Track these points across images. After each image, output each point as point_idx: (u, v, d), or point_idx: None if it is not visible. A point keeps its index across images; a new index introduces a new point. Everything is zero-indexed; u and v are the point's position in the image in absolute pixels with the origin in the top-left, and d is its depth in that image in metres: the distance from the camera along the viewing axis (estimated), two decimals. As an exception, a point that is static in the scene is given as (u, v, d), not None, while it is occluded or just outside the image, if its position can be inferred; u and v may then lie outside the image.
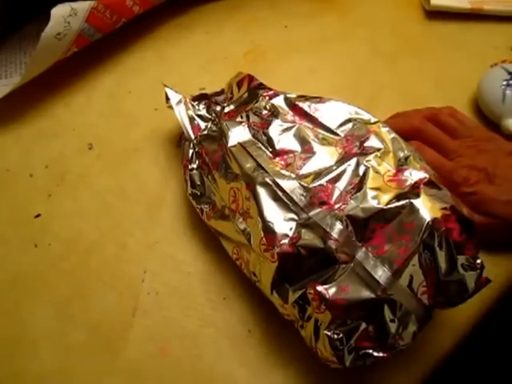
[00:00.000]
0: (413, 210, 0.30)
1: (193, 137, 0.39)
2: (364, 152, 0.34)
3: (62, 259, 0.38)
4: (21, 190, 0.41)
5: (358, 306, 0.28)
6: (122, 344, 0.34)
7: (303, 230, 0.31)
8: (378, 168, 0.32)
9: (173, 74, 0.48)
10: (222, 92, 0.43)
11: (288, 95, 0.38)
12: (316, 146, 0.35)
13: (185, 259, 0.38)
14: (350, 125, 0.36)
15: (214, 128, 0.38)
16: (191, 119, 0.39)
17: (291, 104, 0.38)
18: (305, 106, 0.37)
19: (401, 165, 0.33)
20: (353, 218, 0.30)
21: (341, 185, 0.32)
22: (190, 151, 0.38)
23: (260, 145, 0.36)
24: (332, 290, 0.29)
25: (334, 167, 0.33)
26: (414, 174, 0.32)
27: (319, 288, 0.29)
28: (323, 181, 0.32)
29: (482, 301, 0.35)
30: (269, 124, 0.36)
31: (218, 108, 0.40)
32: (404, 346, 0.28)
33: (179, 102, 0.40)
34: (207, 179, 0.37)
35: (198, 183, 0.38)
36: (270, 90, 0.39)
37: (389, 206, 0.30)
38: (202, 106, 0.41)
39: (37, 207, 0.40)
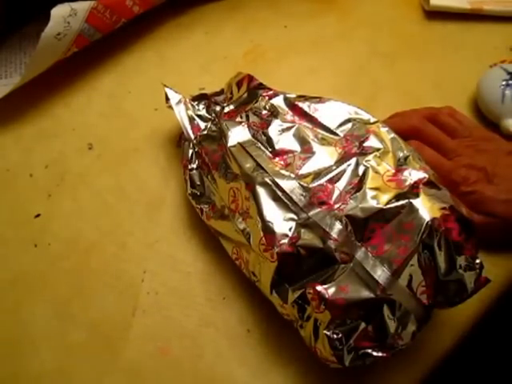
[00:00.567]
0: (412, 209, 0.30)
1: (192, 137, 0.39)
2: (363, 152, 0.34)
3: (61, 259, 0.38)
4: (21, 190, 0.41)
5: (358, 306, 0.28)
6: (121, 344, 0.34)
7: (303, 230, 0.31)
8: (378, 168, 0.32)
9: (173, 74, 0.48)
10: (221, 92, 0.43)
11: (287, 95, 0.38)
12: (315, 146, 0.35)
13: (184, 259, 0.38)
14: (349, 125, 0.36)
15: (214, 128, 0.38)
16: (191, 119, 0.40)
17: (291, 104, 0.38)
18: (304, 106, 0.37)
19: (400, 165, 0.33)
20: (352, 218, 0.30)
21: (340, 185, 0.32)
22: (190, 151, 0.39)
23: (260, 145, 0.36)
24: (331, 290, 0.29)
25: (334, 167, 0.33)
26: (413, 174, 0.32)
27: (319, 288, 0.29)
28: (323, 181, 0.32)
29: (481, 301, 0.35)
30: (268, 124, 0.36)
31: (218, 108, 0.40)
32: (403, 346, 0.29)
33: (179, 102, 0.40)
34: (207, 179, 0.37)
35: (198, 183, 0.38)
36: (270, 90, 0.40)
37: (388, 205, 0.30)
38: (201, 106, 0.41)
39: (37, 207, 0.40)
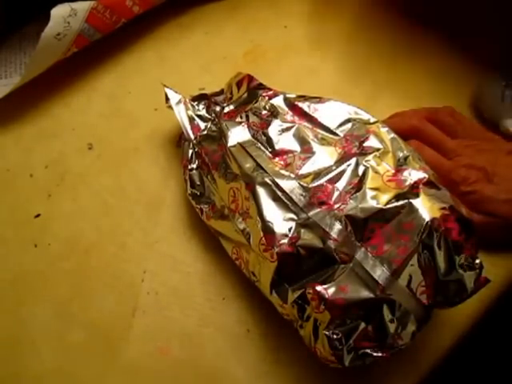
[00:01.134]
0: (412, 209, 0.30)
1: (192, 137, 0.39)
2: (363, 152, 0.34)
3: (61, 259, 0.38)
4: (21, 190, 0.41)
5: (357, 306, 0.28)
6: (121, 344, 0.34)
7: (302, 230, 0.31)
8: (378, 168, 0.32)
9: (172, 74, 0.48)
10: (221, 92, 0.43)
11: (287, 95, 0.38)
12: (315, 146, 0.35)
13: (184, 259, 0.38)
14: (349, 125, 0.36)
15: (214, 128, 0.39)
16: (191, 119, 0.40)
17: (291, 104, 0.38)
18: (304, 106, 0.37)
19: (400, 165, 0.33)
20: (352, 218, 0.30)
21: (340, 185, 0.32)
22: (190, 151, 0.39)
23: (259, 145, 0.36)
24: (331, 290, 0.29)
25: (334, 167, 0.33)
26: (413, 174, 0.32)
27: (318, 288, 0.29)
28: (323, 181, 0.32)
29: (481, 301, 0.35)
30: (268, 124, 0.36)
31: (218, 108, 0.40)
32: (403, 346, 0.29)
33: (179, 102, 0.40)
34: (207, 179, 0.37)
35: (198, 183, 0.38)
36: (270, 90, 0.40)
37: (388, 205, 0.30)
38: (201, 106, 0.41)
39: (37, 207, 0.40)
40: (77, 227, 0.40)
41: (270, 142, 0.36)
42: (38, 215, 0.40)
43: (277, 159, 0.35)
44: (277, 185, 0.32)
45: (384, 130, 0.35)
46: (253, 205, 0.32)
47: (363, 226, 0.30)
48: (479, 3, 0.51)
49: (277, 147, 0.35)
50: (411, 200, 0.30)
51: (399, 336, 0.28)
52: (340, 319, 0.28)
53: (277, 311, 0.32)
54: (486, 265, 0.31)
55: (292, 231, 0.31)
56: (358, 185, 0.32)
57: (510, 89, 0.43)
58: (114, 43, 0.49)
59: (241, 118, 0.38)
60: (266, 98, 0.38)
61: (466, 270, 0.30)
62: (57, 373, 0.34)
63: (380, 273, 0.29)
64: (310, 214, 0.31)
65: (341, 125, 0.36)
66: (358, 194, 0.31)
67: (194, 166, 0.38)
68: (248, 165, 0.34)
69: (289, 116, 0.37)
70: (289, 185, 0.32)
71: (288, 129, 0.36)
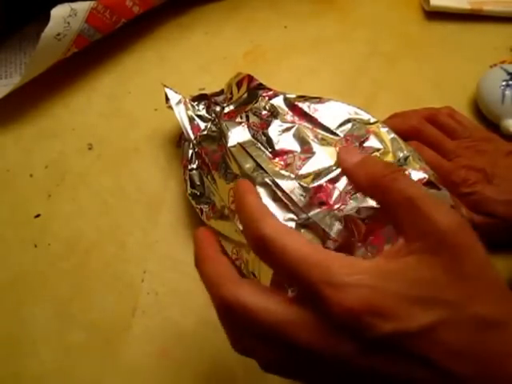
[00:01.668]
0: (412, 210, 0.30)
1: (192, 137, 0.39)
2: (363, 152, 0.34)
3: (61, 259, 0.38)
4: (21, 190, 0.41)
5: None
6: (121, 344, 0.34)
7: (302, 230, 0.31)
8: (378, 168, 0.32)
9: (172, 75, 0.48)
10: (221, 92, 0.43)
11: (287, 95, 0.38)
12: (315, 147, 0.35)
13: (184, 259, 0.38)
14: (349, 125, 0.36)
15: (214, 128, 0.39)
16: (191, 119, 0.40)
17: (291, 104, 0.38)
18: (304, 106, 0.37)
19: (400, 165, 0.33)
20: (352, 218, 0.30)
21: (340, 185, 0.32)
22: (190, 151, 0.39)
23: (259, 145, 0.36)
24: (331, 290, 0.29)
25: (334, 167, 0.33)
26: (413, 175, 0.32)
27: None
28: (323, 181, 0.32)
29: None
30: (268, 124, 0.36)
31: (218, 108, 0.40)
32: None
33: (179, 102, 0.40)
34: (207, 179, 0.37)
35: (198, 183, 0.38)
36: (270, 90, 0.40)
37: (388, 206, 0.30)
38: (201, 107, 0.41)
39: (37, 207, 0.40)
40: (77, 227, 0.40)
41: (270, 143, 0.36)
42: (38, 215, 0.40)
43: (277, 159, 0.35)
44: (277, 185, 0.32)
45: (384, 130, 0.35)
46: (253, 205, 0.32)
47: (363, 227, 0.30)
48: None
49: (277, 147, 0.35)
50: (411, 200, 0.30)
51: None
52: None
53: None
54: (485, 265, 0.31)
55: (292, 231, 0.31)
56: (358, 185, 0.32)
57: (510, 89, 0.43)
58: (114, 43, 0.50)
59: (241, 118, 0.38)
60: (266, 98, 0.38)
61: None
62: (57, 373, 0.34)
63: (380, 273, 0.29)
64: (310, 214, 0.31)
65: (341, 125, 0.36)
66: (358, 194, 0.31)
67: (194, 166, 0.38)
68: (248, 165, 0.34)
69: (289, 116, 0.37)
70: (289, 185, 0.32)
71: (288, 129, 0.36)
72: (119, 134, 0.45)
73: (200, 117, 0.40)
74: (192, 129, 0.39)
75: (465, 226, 0.22)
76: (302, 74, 0.49)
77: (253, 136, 0.36)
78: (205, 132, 0.39)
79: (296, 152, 0.35)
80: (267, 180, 0.33)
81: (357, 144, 0.34)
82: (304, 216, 0.31)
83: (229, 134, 0.36)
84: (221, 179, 0.36)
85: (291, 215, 0.31)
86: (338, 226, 0.30)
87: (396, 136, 0.35)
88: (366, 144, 0.34)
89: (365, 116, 0.36)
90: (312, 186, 0.32)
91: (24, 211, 0.40)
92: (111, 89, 0.48)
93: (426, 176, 0.32)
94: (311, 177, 0.33)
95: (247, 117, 0.38)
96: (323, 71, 0.49)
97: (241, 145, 0.36)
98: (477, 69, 0.47)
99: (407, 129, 0.39)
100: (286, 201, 0.32)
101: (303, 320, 0.22)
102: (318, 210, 0.31)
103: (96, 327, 0.35)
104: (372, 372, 0.21)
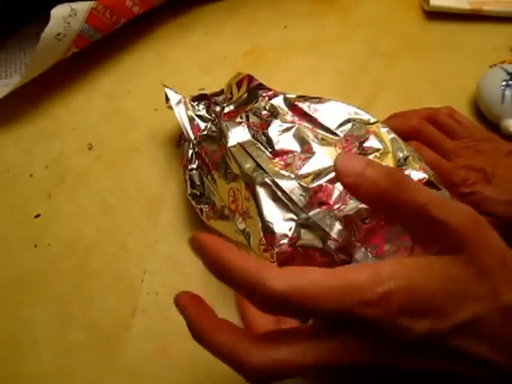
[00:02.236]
0: (412, 210, 0.30)
1: (192, 137, 0.39)
2: (363, 152, 0.34)
3: (61, 259, 0.38)
4: (21, 190, 0.41)
5: None
6: (121, 344, 0.34)
7: (302, 230, 0.31)
8: (378, 168, 0.32)
9: (172, 75, 0.48)
10: (221, 92, 0.43)
11: (287, 95, 0.38)
12: (315, 147, 0.35)
13: (184, 259, 0.38)
14: (349, 125, 0.36)
15: (214, 128, 0.39)
16: (191, 119, 0.40)
17: (291, 104, 0.38)
18: (304, 106, 0.37)
19: (400, 165, 0.33)
20: (352, 218, 0.30)
21: (340, 185, 0.32)
22: (190, 151, 0.39)
23: (259, 145, 0.36)
24: (331, 290, 0.29)
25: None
26: (413, 175, 0.32)
27: None
28: (323, 181, 0.32)
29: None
30: (268, 124, 0.36)
31: (218, 108, 0.40)
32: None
33: (179, 102, 0.40)
34: (207, 179, 0.37)
35: (198, 183, 0.38)
36: (270, 90, 0.40)
37: (388, 206, 0.30)
38: (201, 107, 0.41)
39: (37, 207, 0.40)
40: (77, 227, 0.40)
41: (270, 143, 0.36)
42: (38, 215, 0.40)
43: (277, 159, 0.35)
44: (277, 185, 0.32)
45: (384, 131, 0.35)
46: (253, 205, 0.32)
47: (363, 227, 0.30)
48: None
49: (277, 147, 0.35)
50: (411, 200, 0.30)
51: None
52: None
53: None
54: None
55: (292, 231, 0.31)
56: (358, 185, 0.32)
57: (509, 89, 0.43)
58: (114, 43, 0.50)
59: (241, 118, 0.38)
60: (266, 98, 0.38)
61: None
62: (57, 373, 0.34)
63: (380, 273, 0.29)
64: (310, 214, 0.31)
65: (341, 125, 0.36)
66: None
67: (194, 166, 0.38)
68: (248, 165, 0.34)
69: (289, 116, 0.37)
70: (289, 185, 0.32)
71: (288, 129, 0.36)
72: (119, 134, 0.45)
73: (200, 117, 0.40)
74: (192, 129, 0.39)
75: (476, 220, 0.22)
76: (302, 74, 0.49)
77: (253, 136, 0.36)
78: (205, 132, 0.39)
79: (296, 152, 0.35)
80: (267, 180, 0.33)
81: (357, 144, 0.35)
82: (304, 216, 0.31)
83: (229, 134, 0.36)
84: (221, 179, 0.36)
85: (291, 215, 0.31)
86: (338, 226, 0.30)
87: (396, 136, 0.35)
88: (366, 144, 0.34)
89: (365, 116, 0.36)
90: (312, 185, 0.32)
91: (24, 211, 0.40)
92: (111, 89, 0.48)
93: (426, 176, 0.32)
94: (311, 177, 0.33)
95: (247, 117, 0.38)
96: (323, 71, 0.49)
97: (241, 145, 0.36)
98: (477, 69, 0.47)
99: (407, 129, 0.39)
100: (285, 201, 0.32)
101: (341, 347, 0.21)
102: (317, 209, 0.31)
103: (96, 327, 0.35)
104: (413, 370, 0.22)
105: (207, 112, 0.40)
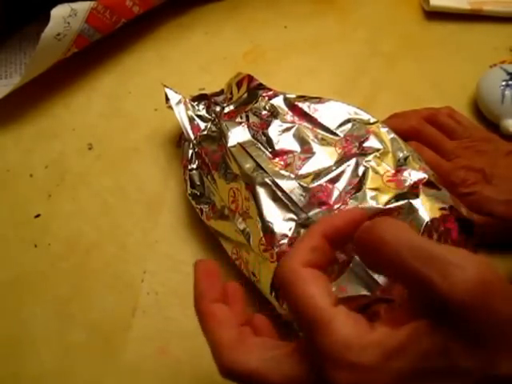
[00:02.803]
0: (412, 210, 0.30)
1: (192, 137, 0.39)
2: (363, 152, 0.34)
3: (61, 259, 0.38)
4: (21, 190, 0.41)
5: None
6: (121, 344, 0.34)
7: (302, 230, 0.31)
8: (378, 168, 0.32)
9: (173, 75, 0.48)
10: (221, 92, 0.43)
11: (287, 95, 0.38)
12: (315, 147, 0.35)
13: (184, 259, 0.38)
14: (349, 125, 0.36)
15: (214, 128, 0.39)
16: (191, 119, 0.40)
17: (291, 104, 0.38)
18: (304, 106, 0.37)
19: (400, 165, 0.33)
20: (352, 219, 0.30)
21: (340, 185, 0.32)
22: (190, 151, 0.39)
23: (259, 145, 0.36)
24: (331, 290, 0.29)
25: (334, 167, 0.33)
26: (413, 175, 0.32)
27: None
28: (322, 181, 0.33)
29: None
30: (268, 124, 0.36)
31: (218, 108, 0.40)
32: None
33: (179, 102, 0.40)
34: (207, 179, 0.37)
35: (198, 183, 0.38)
36: (270, 90, 0.40)
37: (388, 206, 0.30)
38: (201, 107, 0.41)
39: (37, 207, 0.40)
40: (77, 227, 0.40)
41: (269, 143, 0.36)
42: (38, 215, 0.40)
43: (277, 159, 0.35)
44: (277, 185, 0.32)
45: (384, 131, 0.35)
46: (253, 205, 0.32)
47: (363, 227, 0.30)
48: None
49: (277, 147, 0.35)
50: (411, 200, 0.30)
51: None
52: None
53: (277, 311, 0.32)
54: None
55: (292, 231, 0.31)
56: (357, 185, 0.32)
57: (509, 89, 0.43)
58: (114, 43, 0.50)
59: (241, 118, 0.38)
60: (266, 98, 0.38)
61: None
62: (57, 373, 0.34)
63: (380, 273, 0.29)
64: (310, 214, 0.31)
65: (341, 125, 0.36)
66: (357, 194, 0.31)
67: (194, 166, 0.38)
68: (248, 165, 0.34)
69: (289, 116, 0.37)
70: (289, 185, 0.32)
71: (288, 129, 0.36)
72: (119, 134, 0.45)
73: (200, 117, 0.40)
74: (192, 129, 0.39)
75: (471, 281, 0.18)
76: (302, 74, 0.49)
77: (253, 136, 0.36)
78: (205, 132, 0.39)
79: (296, 152, 0.35)
80: (267, 180, 0.33)
81: (357, 144, 0.35)
82: (304, 216, 0.31)
83: (229, 134, 0.36)
84: (221, 179, 0.36)
85: (291, 215, 0.31)
86: (337, 226, 0.30)
87: (396, 136, 0.35)
88: (366, 144, 0.34)
89: (365, 116, 0.36)
90: (312, 185, 0.32)
91: (24, 211, 0.40)
92: (111, 89, 0.48)
93: (426, 176, 0.32)
94: (311, 177, 0.33)
95: (247, 117, 0.38)
96: (323, 71, 0.49)
97: (241, 145, 0.36)
98: (477, 69, 0.47)
99: (407, 129, 0.39)
100: (285, 201, 0.32)
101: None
102: (317, 209, 0.31)
103: (96, 327, 0.35)
104: None
105: (207, 112, 0.40)
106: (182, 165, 0.39)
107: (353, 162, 0.33)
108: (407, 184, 0.31)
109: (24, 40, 0.49)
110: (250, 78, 0.40)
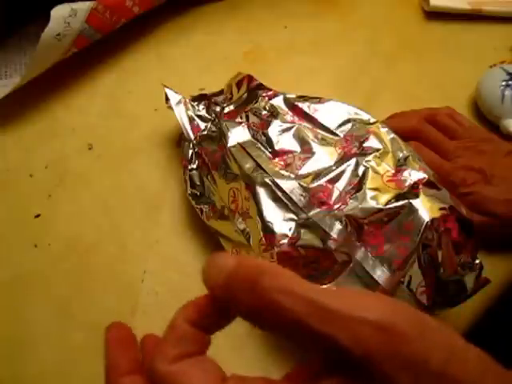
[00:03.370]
0: (412, 210, 0.30)
1: (192, 137, 0.39)
2: (363, 152, 0.34)
3: (61, 259, 0.38)
4: (21, 190, 0.41)
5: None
6: (121, 344, 0.34)
7: (302, 230, 0.31)
8: (378, 168, 0.32)
9: (173, 75, 0.48)
10: (221, 92, 0.43)
11: (287, 95, 0.38)
12: (315, 147, 0.35)
13: (184, 259, 0.38)
14: (349, 125, 0.36)
15: (214, 128, 0.39)
16: (191, 119, 0.40)
17: (290, 104, 0.38)
18: (304, 106, 0.37)
19: (400, 165, 0.33)
20: (352, 218, 0.30)
21: (340, 185, 0.32)
22: (190, 151, 0.39)
23: (259, 145, 0.36)
24: (331, 290, 0.29)
25: (334, 167, 0.33)
26: (413, 175, 0.32)
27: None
28: (322, 181, 0.33)
29: (481, 301, 0.35)
30: (268, 124, 0.36)
31: (218, 108, 0.40)
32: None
33: (179, 102, 0.40)
34: (207, 179, 0.37)
35: (198, 183, 0.38)
36: (270, 90, 0.40)
37: (388, 206, 0.30)
38: (201, 107, 0.41)
39: (37, 207, 0.40)
40: (77, 227, 0.40)
41: (269, 143, 0.36)
42: (38, 215, 0.40)
43: (277, 159, 0.35)
44: (277, 185, 0.32)
45: (384, 131, 0.35)
46: (253, 205, 0.32)
47: (363, 226, 0.30)
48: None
49: (277, 147, 0.35)
50: (411, 200, 0.30)
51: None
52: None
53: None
54: (485, 265, 0.31)
55: (292, 231, 0.31)
56: (357, 185, 0.32)
57: (509, 89, 0.43)
58: (114, 43, 0.49)
59: (241, 118, 0.38)
60: (266, 98, 0.38)
61: (465, 270, 0.30)
62: (57, 373, 0.34)
63: (380, 273, 0.29)
64: (310, 214, 0.31)
65: (341, 125, 0.36)
66: (357, 194, 0.31)
67: (194, 166, 0.38)
68: (248, 165, 0.34)
69: (289, 116, 0.37)
70: (289, 185, 0.32)
71: (288, 129, 0.36)
72: (119, 134, 0.45)
73: (200, 117, 0.40)
74: (192, 129, 0.39)
75: (370, 332, 0.16)
76: (302, 73, 0.49)
77: (253, 136, 0.36)
78: (205, 132, 0.39)
79: (296, 152, 0.35)
80: (267, 180, 0.33)
81: (357, 144, 0.35)
82: (304, 216, 0.31)
83: (229, 134, 0.36)
84: (221, 179, 0.36)
85: (291, 215, 0.31)
86: (338, 225, 0.30)
87: (396, 136, 0.35)
88: (366, 144, 0.34)
89: (365, 116, 0.36)
90: (312, 185, 0.32)
91: (24, 211, 0.40)
92: (111, 89, 0.48)
93: (426, 176, 0.32)
94: (311, 177, 0.33)
95: (247, 117, 0.38)
96: (323, 71, 0.49)
97: (241, 145, 0.36)
98: (477, 69, 0.47)
99: (407, 129, 0.39)
100: (285, 201, 0.32)
101: None
102: (317, 209, 0.31)
103: (96, 327, 0.35)
104: None
105: (207, 112, 0.40)
106: (181, 165, 0.39)
107: (353, 162, 0.33)
108: (407, 184, 0.31)
109: (24, 40, 0.49)
110: (250, 78, 0.41)
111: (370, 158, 0.33)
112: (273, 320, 0.18)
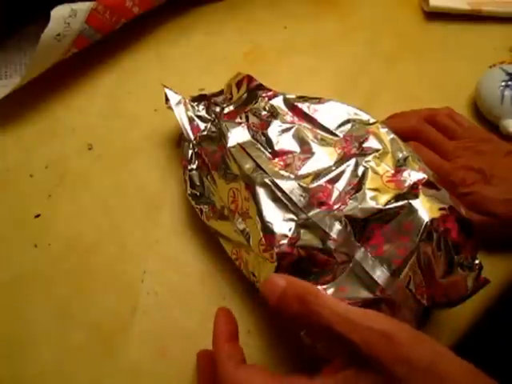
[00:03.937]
0: (411, 210, 0.30)
1: (192, 137, 0.39)
2: (363, 153, 0.34)
3: (61, 259, 0.38)
4: (21, 190, 0.41)
5: (357, 307, 0.28)
6: (121, 344, 0.35)
7: (302, 231, 0.31)
8: (377, 169, 0.32)
9: (172, 75, 0.48)
10: (221, 93, 0.43)
11: (287, 96, 0.38)
12: (315, 147, 0.35)
13: (184, 259, 0.38)
14: (348, 125, 0.36)
15: (214, 129, 0.39)
16: (190, 120, 0.40)
17: (290, 105, 0.38)
18: (304, 106, 0.37)
19: (399, 165, 0.33)
20: (352, 219, 0.30)
21: (340, 185, 0.32)
22: (190, 152, 0.39)
23: (259, 145, 0.36)
24: (331, 291, 0.29)
25: (333, 168, 0.33)
26: (412, 175, 0.32)
27: (318, 288, 0.29)
28: (322, 181, 0.33)
29: (480, 301, 0.35)
30: (268, 125, 0.37)
31: (218, 109, 0.40)
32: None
33: (179, 102, 0.40)
34: (206, 180, 0.37)
35: (198, 184, 0.38)
36: (270, 90, 0.40)
37: (387, 206, 0.31)
38: (201, 107, 0.41)
39: (37, 207, 0.40)
40: (77, 227, 0.40)
41: (269, 143, 0.36)
42: (38, 215, 0.40)
43: (276, 160, 0.35)
44: (276, 185, 0.32)
45: (383, 131, 0.35)
46: (252, 205, 0.32)
47: (363, 227, 0.30)
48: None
49: (276, 148, 0.35)
50: (411, 201, 0.30)
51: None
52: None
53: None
54: (485, 265, 0.31)
55: (292, 231, 0.31)
56: (357, 185, 0.32)
57: (509, 89, 0.43)
58: (114, 43, 0.50)
59: (240, 118, 0.38)
60: (266, 98, 0.38)
61: (465, 270, 0.30)
62: (57, 373, 0.34)
63: (379, 273, 0.29)
64: (310, 214, 0.31)
65: (340, 125, 0.36)
66: (357, 194, 0.31)
67: (194, 166, 0.38)
68: (248, 165, 0.34)
69: (288, 117, 0.37)
70: (288, 185, 0.32)
71: (288, 129, 0.36)
72: (119, 134, 0.45)
73: (200, 117, 0.40)
74: (192, 129, 0.39)
75: (377, 336, 0.24)
76: (302, 74, 0.49)
77: (252, 136, 0.36)
78: (204, 132, 0.39)
79: (295, 152, 0.35)
80: (267, 180, 0.33)
81: (356, 144, 0.35)
82: (304, 216, 0.31)
83: (228, 134, 0.36)
84: (220, 179, 0.36)
85: (291, 215, 0.31)
86: (337, 226, 0.31)
87: (395, 136, 0.35)
88: (366, 144, 0.34)
89: (364, 116, 0.36)
90: (311, 186, 0.32)
91: (24, 211, 0.40)
92: (111, 89, 0.48)
93: (426, 176, 0.32)
94: (311, 177, 0.33)
95: (247, 117, 0.38)
96: (323, 71, 0.49)
97: (240, 145, 0.36)
98: (476, 69, 0.47)
99: (407, 129, 0.39)
100: (285, 201, 0.32)
101: None
102: (317, 210, 0.31)
103: (96, 327, 0.35)
104: None
105: (207, 112, 0.40)
106: (181, 165, 0.39)
107: (352, 162, 0.33)
108: (407, 184, 0.31)
109: (24, 40, 0.49)
110: (250, 79, 0.41)
111: (369, 158, 0.33)
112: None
